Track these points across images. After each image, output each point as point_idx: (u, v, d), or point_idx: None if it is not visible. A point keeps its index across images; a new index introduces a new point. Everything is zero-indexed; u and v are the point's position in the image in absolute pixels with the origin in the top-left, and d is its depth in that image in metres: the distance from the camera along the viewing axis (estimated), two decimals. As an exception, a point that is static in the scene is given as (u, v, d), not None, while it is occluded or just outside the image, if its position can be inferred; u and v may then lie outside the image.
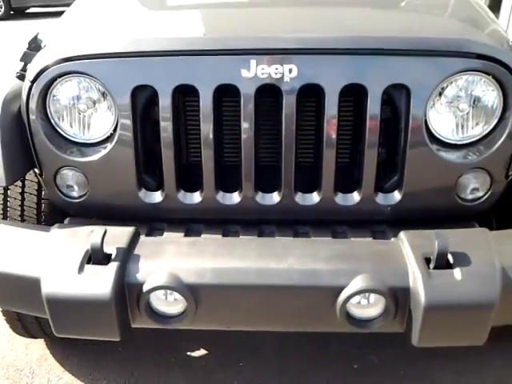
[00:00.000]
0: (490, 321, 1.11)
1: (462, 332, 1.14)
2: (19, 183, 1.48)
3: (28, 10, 12.45)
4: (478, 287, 1.09)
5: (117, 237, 1.20)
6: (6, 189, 1.48)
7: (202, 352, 1.84)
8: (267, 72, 1.18)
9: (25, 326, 1.67)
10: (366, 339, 1.86)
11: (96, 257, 1.14)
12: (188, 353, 1.84)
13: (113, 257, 1.15)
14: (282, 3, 1.61)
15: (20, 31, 9.77)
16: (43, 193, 1.49)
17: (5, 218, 1.47)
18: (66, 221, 1.37)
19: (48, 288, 1.13)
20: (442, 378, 1.73)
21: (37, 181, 1.48)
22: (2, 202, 1.48)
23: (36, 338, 1.83)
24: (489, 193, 1.30)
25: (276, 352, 1.83)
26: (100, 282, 1.12)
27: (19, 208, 1.48)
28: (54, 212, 1.49)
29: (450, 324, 1.12)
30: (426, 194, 1.31)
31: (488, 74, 1.22)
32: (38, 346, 1.87)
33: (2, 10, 11.50)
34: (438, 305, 1.08)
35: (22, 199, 1.48)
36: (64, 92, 1.28)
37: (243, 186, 1.29)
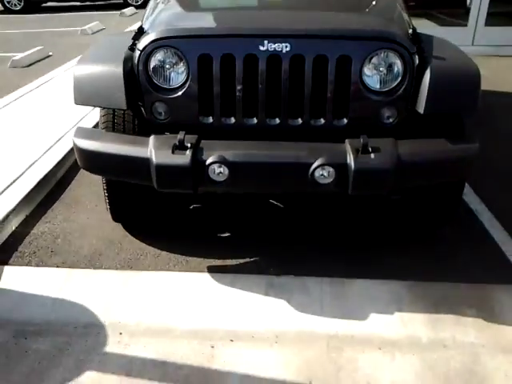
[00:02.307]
0: (388, 184, 2.10)
1: (376, 186, 2.13)
2: (122, 115, 2.46)
3: (44, 4, 13.34)
4: (382, 161, 2.08)
5: (190, 138, 2.17)
6: (114, 116, 2.46)
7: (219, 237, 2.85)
8: (273, 47, 2.15)
9: (118, 211, 2.68)
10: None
11: (180, 146, 2.13)
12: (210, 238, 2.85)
13: (189, 147, 2.13)
14: (283, 7, 2.60)
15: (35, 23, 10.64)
16: (136, 121, 2.47)
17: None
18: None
19: (156, 161, 2.10)
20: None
21: (132, 114, 2.46)
22: (111, 126, 2.46)
23: (124, 221, 2.83)
24: (397, 119, 2.28)
25: (258, 243, 2.84)
26: (183, 158, 2.09)
27: (122, 129, 2.46)
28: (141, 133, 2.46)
29: (366, 181, 2.10)
30: (362, 119, 2.29)
31: (395, 51, 2.20)
32: (120, 230, 2.85)
33: (22, 3, 12.41)
34: (359, 170, 2.06)
35: (124, 125, 2.46)
36: (157, 57, 2.25)
37: (259, 113, 2.27)
